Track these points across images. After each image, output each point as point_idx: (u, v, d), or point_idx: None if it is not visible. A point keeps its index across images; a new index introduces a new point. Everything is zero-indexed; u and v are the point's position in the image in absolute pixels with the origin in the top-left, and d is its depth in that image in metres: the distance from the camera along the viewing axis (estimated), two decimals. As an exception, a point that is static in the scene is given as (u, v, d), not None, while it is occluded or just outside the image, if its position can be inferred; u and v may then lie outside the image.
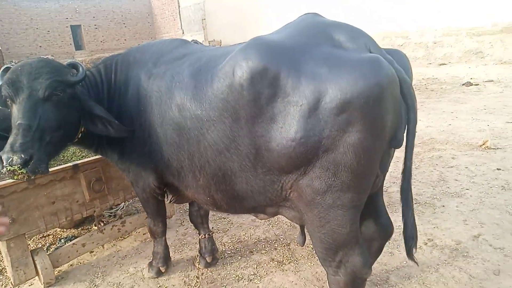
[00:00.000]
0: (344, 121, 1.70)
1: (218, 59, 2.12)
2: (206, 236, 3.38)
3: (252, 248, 3.62)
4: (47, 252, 3.39)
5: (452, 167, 5.08)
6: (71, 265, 3.56)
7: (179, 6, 31.37)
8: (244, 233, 3.90)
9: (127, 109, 2.56)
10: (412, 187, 4.34)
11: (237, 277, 3.19)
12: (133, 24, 34.00)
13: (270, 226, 4.01)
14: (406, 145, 1.98)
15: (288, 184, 1.96)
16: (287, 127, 1.77)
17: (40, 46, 29.85)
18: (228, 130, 1.99)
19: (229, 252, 3.58)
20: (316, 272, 3.16)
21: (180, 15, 32.02)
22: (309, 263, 3.30)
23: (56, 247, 3.73)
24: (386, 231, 2.45)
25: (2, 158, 2.05)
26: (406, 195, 2.13)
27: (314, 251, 3.43)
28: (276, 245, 3.63)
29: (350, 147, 1.74)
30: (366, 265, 2.06)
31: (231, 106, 1.93)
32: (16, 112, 2.18)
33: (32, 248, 3.29)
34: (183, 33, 31.23)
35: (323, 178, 1.83)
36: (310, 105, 1.71)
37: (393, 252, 3.34)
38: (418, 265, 2.61)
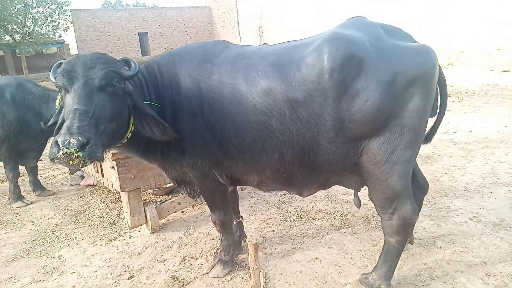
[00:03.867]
0: (411, 92, 2.36)
1: (291, 51, 2.61)
2: (236, 222, 3.53)
3: (314, 217, 4.27)
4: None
5: (504, 162, 5.37)
6: (167, 219, 4.45)
7: (237, 15, 32.90)
8: (306, 205, 4.57)
9: (186, 106, 2.67)
10: (463, 177, 4.81)
11: (302, 235, 3.87)
12: (195, 32, 36.13)
13: (329, 201, 4.63)
14: (439, 113, 2.74)
15: (360, 149, 2.52)
16: (371, 100, 2.33)
17: (111, 52, 32.72)
18: (318, 107, 2.40)
19: (295, 218, 4.26)
20: (370, 235, 3.74)
21: (238, 23, 33.52)
22: (365, 229, 3.88)
23: (160, 202, 4.63)
24: (423, 187, 3.13)
25: (58, 140, 2.02)
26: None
27: (368, 221, 4.02)
28: (335, 215, 4.25)
29: (415, 112, 2.38)
30: (415, 212, 2.63)
31: (321, 87, 2.36)
32: (71, 100, 2.22)
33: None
34: (240, 40, 32.66)
35: (391, 139, 2.43)
36: (388, 82, 2.33)
37: (440, 224, 3.82)
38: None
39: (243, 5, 31.31)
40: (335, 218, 4.19)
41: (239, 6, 31.88)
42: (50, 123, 4.80)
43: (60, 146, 2.00)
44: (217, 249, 3.61)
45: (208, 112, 2.67)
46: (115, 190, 4.02)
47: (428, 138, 2.84)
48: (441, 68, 2.54)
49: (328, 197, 4.74)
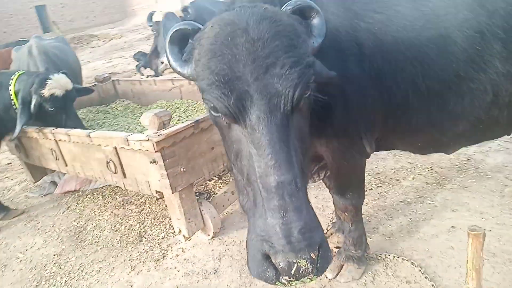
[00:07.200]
0: None
1: None
2: None
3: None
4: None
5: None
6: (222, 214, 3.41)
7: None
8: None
9: (329, 43, 1.67)
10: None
11: (404, 202, 3.15)
12: (103, -3, 31.97)
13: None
14: None
15: None
16: None
17: (5, 32, 27.63)
18: None
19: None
20: None
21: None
22: None
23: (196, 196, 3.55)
24: None
25: (279, 263, 1.13)
26: None
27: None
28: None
29: None
30: None
31: None
32: (252, 147, 1.23)
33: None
34: (156, 1, 29.67)
35: None
36: None
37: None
38: None
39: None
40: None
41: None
42: (16, 133, 3.56)
43: (284, 274, 1.12)
44: (336, 246, 2.73)
45: (371, 44, 1.72)
46: (157, 192, 2.86)
47: None
48: None
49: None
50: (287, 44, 1.23)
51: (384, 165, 3.80)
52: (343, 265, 2.46)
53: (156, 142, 2.50)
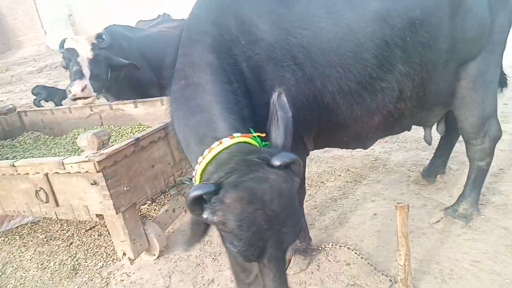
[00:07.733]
0: (499, 6, 2.28)
1: None
2: None
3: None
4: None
5: None
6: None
7: (35, 4, 27.55)
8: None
9: (267, 61, 2.02)
10: None
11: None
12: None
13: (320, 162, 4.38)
14: None
15: (461, 74, 2.35)
16: (481, 14, 2.19)
17: None
18: (436, 27, 2.14)
19: (303, 187, 3.85)
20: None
21: (38, 13, 28.18)
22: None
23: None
24: None
25: None
26: None
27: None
28: (340, 173, 4.05)
29: (503, 27, 2.32)
30: (501, 130, 2.62)
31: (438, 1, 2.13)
32: (263, 276, 1.51)
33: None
34: (45, 33, 27.60)
35: (486, 58, 2.33)
36: None
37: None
38: None
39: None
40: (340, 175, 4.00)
41: (38, -7, 26.76)
42: None
43: None
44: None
45: (302, 55, 2.04)
46: (97, 216, 2.74)
47: None
48: None
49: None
50: (291, 213, 1.44)
51: (308, 171, 4.18)
52: (290, 259, 2.67)
53: (98, 161, 2.46)
